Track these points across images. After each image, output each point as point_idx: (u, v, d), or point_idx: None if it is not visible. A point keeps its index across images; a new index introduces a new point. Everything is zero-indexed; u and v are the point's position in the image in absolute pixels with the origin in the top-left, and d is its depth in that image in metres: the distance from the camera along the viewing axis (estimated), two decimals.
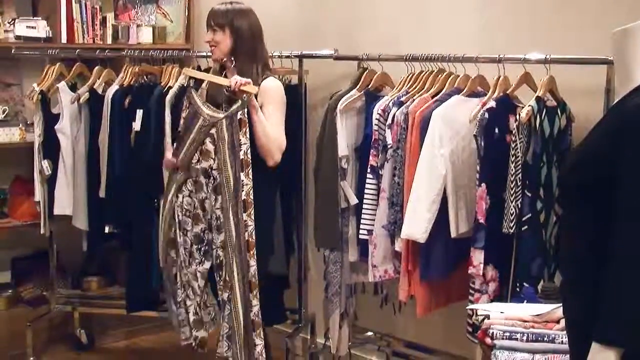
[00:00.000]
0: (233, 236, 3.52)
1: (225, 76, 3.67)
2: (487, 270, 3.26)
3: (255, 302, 3.54)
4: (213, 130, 3.55)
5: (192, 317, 3.74)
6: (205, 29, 3.71)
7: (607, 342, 1.90)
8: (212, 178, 3.57)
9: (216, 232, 3.58)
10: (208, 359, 3.86)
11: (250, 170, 3.49)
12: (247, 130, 3.49)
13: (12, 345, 4.55)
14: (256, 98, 3.54)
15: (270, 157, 3.58)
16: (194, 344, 3.79)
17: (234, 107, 3.50)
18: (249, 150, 3.50)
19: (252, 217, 3.50)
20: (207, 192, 3.60)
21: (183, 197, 3.67)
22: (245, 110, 3.49)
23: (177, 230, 3.69)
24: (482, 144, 3.22)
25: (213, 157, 3.56)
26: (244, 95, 3.49)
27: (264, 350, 3.57)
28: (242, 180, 3.49)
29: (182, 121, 3.68)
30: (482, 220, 3.23)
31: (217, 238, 3.58)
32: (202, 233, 3.65)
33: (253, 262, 3.52)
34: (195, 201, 3.64)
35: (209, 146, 3.56)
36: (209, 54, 4.24)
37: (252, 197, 3.50)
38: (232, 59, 3.64)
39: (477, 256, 3.24)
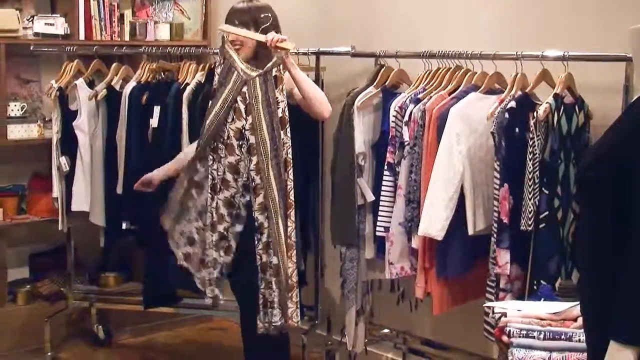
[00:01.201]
0: (276, 197, 3.45)
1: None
2: (512, 269, 3.25)
3: (291, 264, 3.48)
4: (245, 89, 3.46)
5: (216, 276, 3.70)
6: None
7: (625, 340, 1.89)
8: (245, 139, 3.49)
9: (253, 194, 3.50)
10: (226, 352, 3.86)
11: (289, 128, 3.43)
12: (284, 87, 3.44)
13: (30, 340, 4.58)
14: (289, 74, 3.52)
15: (325, 107, 3.58)
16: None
17: (269, 64, 3.44)
18: (286, 108, 3.44)
19: (291, 176, 3.44)
20: (239, 154, 3.51)
21: (210, 162, 3.57)
22: (281, 67, 3.43)
23: (196, 194, 3.64)
24: (503, 144, 3.21)
25: (244, 116, 3.47)
26: (281, 51, 3.43)
27: (297, 313, 3.54)
28: (282, 139, 3.43)
29: (216, 77, 3.57)
30: (506, 221, 3.21)
31: (255, 200, 3.50)
32: (233, 197, 3.56)
33: (291, 224, 3.46)
34: (222, 166, 3.55)
35: (240, 105, 3.48)
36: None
37: (291, 155, 3.43)
38: (260, 54, 3.58)
39: (503, 256, 3.22)
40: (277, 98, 3.43)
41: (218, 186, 3.56)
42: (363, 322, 3.96)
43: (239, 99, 3.48)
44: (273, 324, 3.52)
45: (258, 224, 3.50)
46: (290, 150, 3.44)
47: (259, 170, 3.46)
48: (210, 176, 3.57)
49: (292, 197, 3.46)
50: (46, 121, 4.70)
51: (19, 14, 4.55)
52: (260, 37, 3.51)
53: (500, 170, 3.23)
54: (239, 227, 3.59)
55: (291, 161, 3.45)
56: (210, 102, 3.58)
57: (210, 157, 3.56)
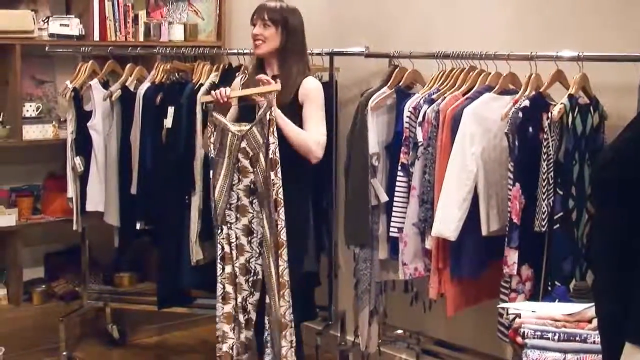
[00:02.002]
0: (268, 237, 3.49)
1: (265, 71, 3.64)
2: (522, 270, 3.24)
3: (284, 302, 3.51)
4: (244, 144, 3.49)
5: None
6: (250, 23, 3.66)
7: None
8: (255, 194, 3.53)
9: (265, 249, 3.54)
10: None
11: (279, 169, 3.46)
12: (275, 129, 3.45)
13: (45, 340, 4.60)
14: (295, 98, 3.55)
15: (311, 154, 3.56)
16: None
17: (261, 111, 3.47)
18: (277, 149, 3.45)
19: (282, 216, 3.48)
20: (252, 211, 3.55)
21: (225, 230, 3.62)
22: (272, 109, 3.45)
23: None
24: (516, 143, 3.20)
25: (251, 170, 3.51)
26: (268, 95, 3.46)
27: (291, 352, 3.57)
28: (272, 180, 3.45)
29: (211, 146, 3.58)
30: (516, 220, 3.21)
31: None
32: (248, 262, 3.59)
33: (282, 262, 3.49)
34: (237, 231, 3.58)
35: (244, 162, 3.51)
36: (241, 50, 4.27)
37: (281, 196, 3.46)
38: (279, 56, 3.62)
39: (512, 256, 3.22)
40: (269, 140, 3.45)
41: (234, 254, 3.59)
42: (376, 322, 3.96)
43: (240, 156, 3.51)
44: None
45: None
46: (280, 191, 3.46)
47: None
48: (219, 246, 3.62)
49: (282, 237, 3.47)
50: (61, 122, 4.72)
51: (34, 15, 4.57)
52: (251, 92, 3.55)
53: (514, 170, 3.22)
54: (257, 295, 3.61)
55: (282, 201, 3.46)
56: (211, 172, 3.61)
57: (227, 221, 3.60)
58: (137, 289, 5.00)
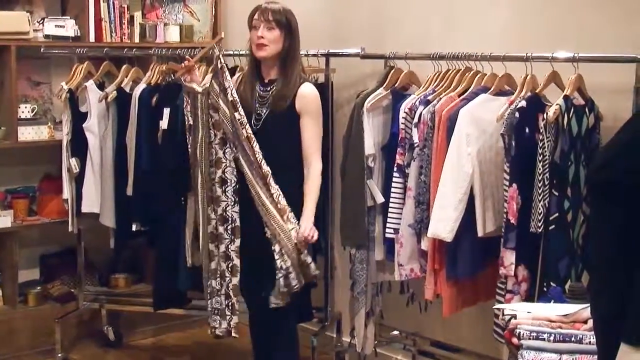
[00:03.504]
0: (248, 172, 3.53)
1: (261, 76, 3.64)
2: (518, 271, 3.24)
3: (291, 225, 3.51)
4: (211, 100, 3.59)
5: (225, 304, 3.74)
6: (249, 24, 3.62)
7: (636, 343, 1.89)
8: (226, 144, 3.60)
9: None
10: (236, 353, 3.86)
11: (242, 109, 3.53)
12: (227, 74, 3.58)
13: (41, 342, 4.60)
14: (292, 104, 3.55)
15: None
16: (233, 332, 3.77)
17: (213, 65, 3.63)
18: (234, 91, 3.55)
19: (258, 149, 3.51)
20: (225, 161, 3.61)
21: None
22: (220, 57, 3.58)
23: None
24: (513, 143, 3.21)
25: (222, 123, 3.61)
26: (217, 45, 3.64)
27: (313, 264, 3.60)
28: (238, 119, 3.52)
29: (188, 114, 3.70)
30: (513, 221, 3.21)
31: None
32: (225, 211, 3.63)
33: (274, 190, 3.52)
34: (215, 184, 3.64)
35: (215, 116, 3.60)
36: (237, 52, 4.27)
37: (250, 131, 3.52)
38: (279, 60, 3.58)
39: (508, 257, 3.22)
40: (224, 85, 3.56)
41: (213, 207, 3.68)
42: (373, 323, 3.96)
43: (212, 112, 3.61)
44: (294, 287, 3.51)
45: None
46: (248, 127, 3.53)
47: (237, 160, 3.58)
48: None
49: (264, 167, 3.51)
50: (56, 123, 4.71)
51: (29, 16, 4.57)
52: (203, 52, 3.77)
53: (510, 170, 3.23)
54: (237, 242, 3.65)
55: (252, 136, 3.52)
56: (189, 139, 3.72)
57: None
58: (132, 290, 5.00)
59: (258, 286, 3.58)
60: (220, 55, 3.61)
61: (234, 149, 3.58)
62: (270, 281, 3.50)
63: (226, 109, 3.56)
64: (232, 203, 3.63)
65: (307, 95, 3.57)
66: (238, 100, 3.54)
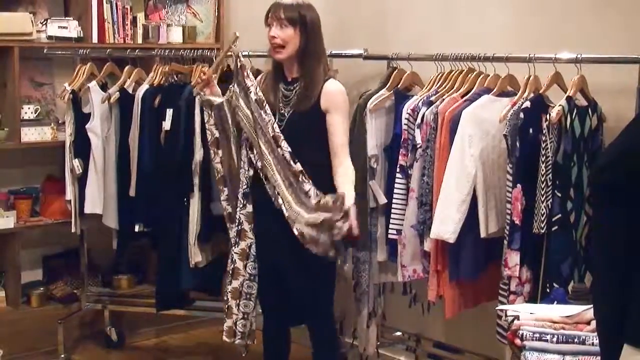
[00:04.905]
0: (275, 173, 3.43)
1: (284, 75, 3.53)
2: (522, 272, 3.24)
3: (307, 186, 3.41)
4: (237, 110, 3.56)
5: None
6: (265, 24, 3.49)
7: (639, 344, 1.89)
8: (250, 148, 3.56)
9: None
10: (239, 354, 3.85)
11: (267, 107, 3.45)
12: (248, 72, 3.52)
13: (44, 342, 4.59)
14: (317, 102, 3.44)
15: None
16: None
17: (232, 66, 3.59)
18: (258, 90, 3.48)
19: (287, 148, 3.41)
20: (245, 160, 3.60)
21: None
22: (239, 58, 3.54)
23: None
24: (517, 145, 3.20)
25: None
26: (233, 47, 3.57)
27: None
28: (264, 118, 3.44)
29: (212, 128, 3.65)
30: (517, 222, 3.21)
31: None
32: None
33: (307, 181, 3.42)
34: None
35: (238, 119, 3.58)
36: (244, 53, 4.25)
37: (278, 131, 3.42)
38: (298, 59, 3.46)
39: (513, 258, 3.22)
40: (246, 84, 3.50)
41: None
42: (375, 324, 3.96)
43: (237, 117, 3.57)
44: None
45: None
46: (276, 126, 3.44)
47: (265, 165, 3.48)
48: (237, 221, 3.66)
49: (295, 166, 3.40)
50: (59, 124, 4.71)
51: (32, 17, 4.57)
52: (219, 60, 3.74)
53: (514, 171, 3.22)
54: (242, 244, 3.63)
55: (280, 134, 3.43)
56: (219, 153, 3.68)
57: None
58: (135, 291, 5.00)
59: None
60: (240, 54, 3.53)
61: (248, 149, 3.53)
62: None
63: (247, 110, 3.50)
64: (242, 206, 3.61)
65: (333, 92, 3.44)
66: (263, 98, 3.46)
